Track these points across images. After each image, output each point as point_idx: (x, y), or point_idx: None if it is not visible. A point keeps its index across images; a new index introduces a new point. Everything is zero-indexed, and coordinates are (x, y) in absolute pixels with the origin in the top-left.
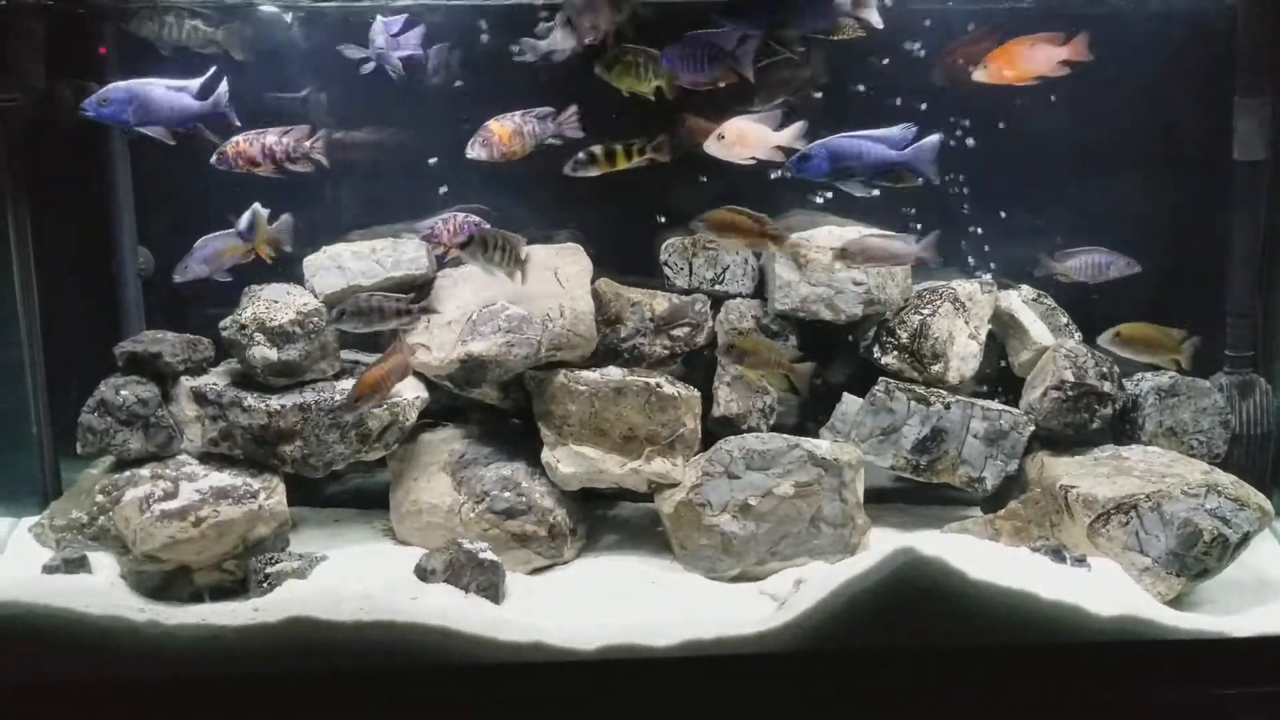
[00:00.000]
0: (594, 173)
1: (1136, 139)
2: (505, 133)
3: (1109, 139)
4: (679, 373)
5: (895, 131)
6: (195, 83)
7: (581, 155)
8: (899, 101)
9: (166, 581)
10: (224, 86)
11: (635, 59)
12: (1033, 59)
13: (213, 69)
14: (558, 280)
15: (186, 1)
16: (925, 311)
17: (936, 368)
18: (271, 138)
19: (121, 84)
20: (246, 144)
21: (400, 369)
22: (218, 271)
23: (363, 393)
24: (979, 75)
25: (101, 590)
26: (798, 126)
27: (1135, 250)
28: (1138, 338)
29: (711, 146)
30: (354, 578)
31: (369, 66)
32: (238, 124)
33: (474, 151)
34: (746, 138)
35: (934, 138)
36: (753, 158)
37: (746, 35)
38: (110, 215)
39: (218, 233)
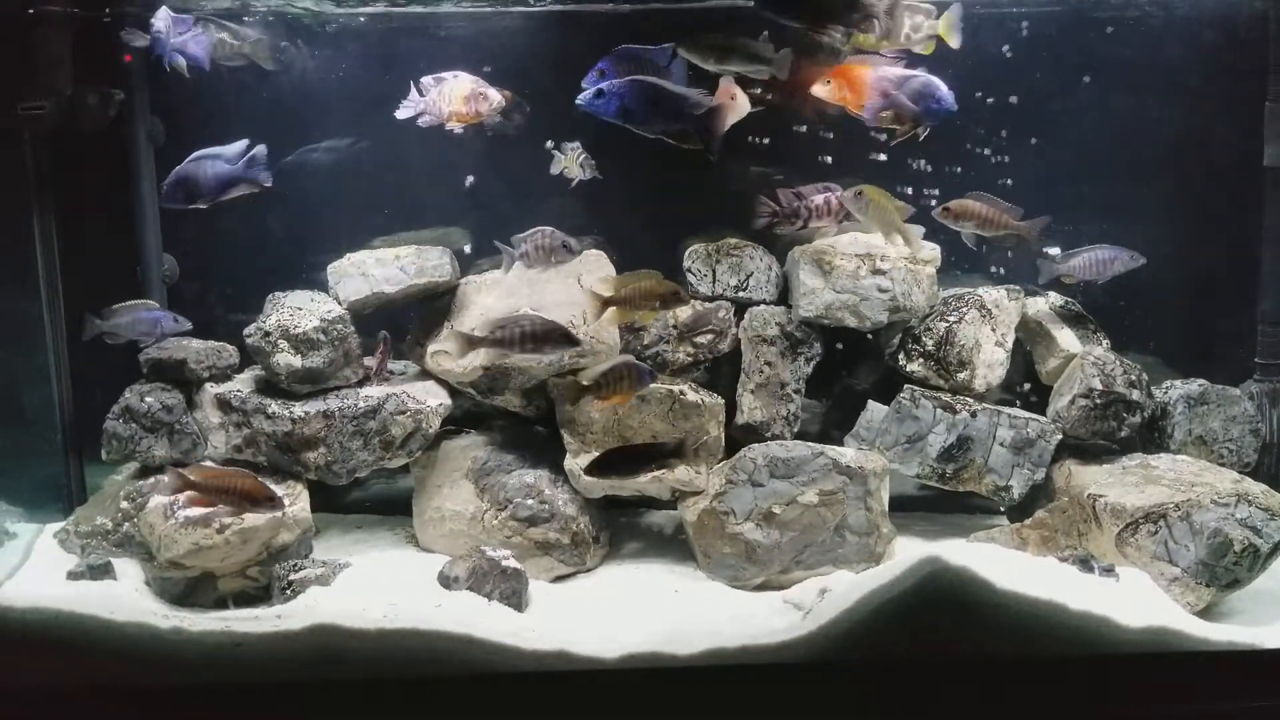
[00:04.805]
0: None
1: (1166, 145)
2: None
3: (1139, 145)
4: (702, 380)
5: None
6: (231, 149)
7: None
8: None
9: (191, 588)
10: (259, 151)
11: None
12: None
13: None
14: (581, 287)
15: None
16: (951, 318)
17: (963, 375)
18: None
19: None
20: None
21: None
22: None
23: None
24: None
25: (126, 596)
26: None
27: (1165, 258)
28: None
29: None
30: (377, 585)
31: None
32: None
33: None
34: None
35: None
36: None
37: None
38: (135, 221)
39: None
